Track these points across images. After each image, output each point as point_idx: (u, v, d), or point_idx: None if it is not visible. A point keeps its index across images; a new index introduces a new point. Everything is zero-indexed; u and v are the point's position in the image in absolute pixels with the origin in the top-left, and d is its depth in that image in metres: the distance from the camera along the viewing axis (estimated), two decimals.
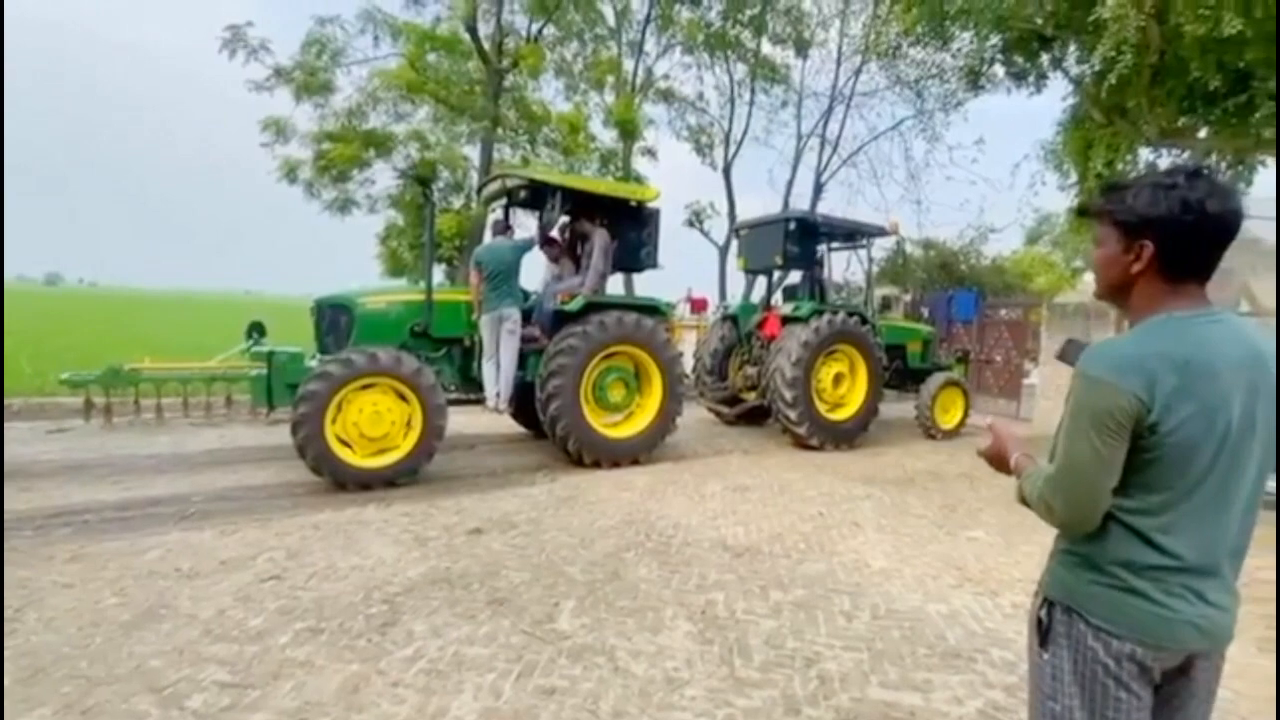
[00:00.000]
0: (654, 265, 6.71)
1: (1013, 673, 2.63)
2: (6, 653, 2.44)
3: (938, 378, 8.38)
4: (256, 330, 6.67)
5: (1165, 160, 8.73)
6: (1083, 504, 1.13)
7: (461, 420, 6.79)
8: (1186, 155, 8.44)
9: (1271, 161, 7.43)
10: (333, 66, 10.95)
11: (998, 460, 1.38)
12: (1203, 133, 8.14)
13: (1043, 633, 1.23)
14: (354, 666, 2.49)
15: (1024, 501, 1.25)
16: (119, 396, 6.64)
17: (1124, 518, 1.13)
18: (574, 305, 5.79)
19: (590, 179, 8.99)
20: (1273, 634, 2.88)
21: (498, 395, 5.67)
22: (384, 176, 11.78)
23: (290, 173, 11.03)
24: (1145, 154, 8.71)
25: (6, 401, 6.80)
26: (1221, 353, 1.08)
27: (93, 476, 4.96)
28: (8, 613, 2.73)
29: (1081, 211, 1.43)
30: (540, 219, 6.26)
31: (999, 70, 8.96)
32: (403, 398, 5.00)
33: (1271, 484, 1.20)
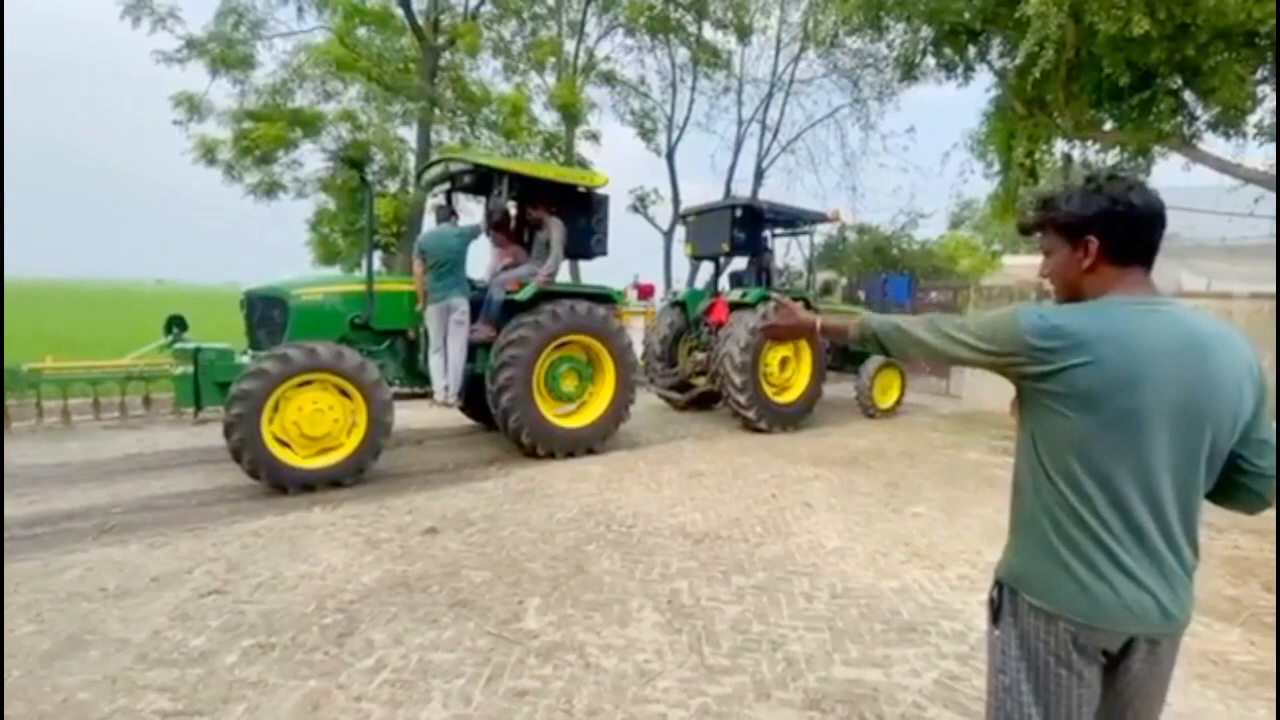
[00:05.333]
0: (604, 253, 6.64)
1: (963, 642, 2.79)
2: None
3: (876, 359, 8.70)
4: (177, 324, 6.17)
5: (1078, 151, 9.34)
6: (905, 354, 1.43)
7: (408, 414, 6.55)
8: (1097, 147, 9.05)
9: (1174, 156, 8.04)
10: (252, 39, 10.17)
11: (791, 324, 1.62)
12: (1108, 126, 8.75)
13: (994, 611, 1.31)
14: (311, 683, 2.36)
15: (861, 340, 1.45)
16: (17, 400, 6.03)
17: (1047, 480, 1.20)
18: (524, 294, 5.66)
19: (538, 164, 8.78)
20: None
21: (446, 389, 5.49)
22: (313, 159, 11.13)
23: (208, 153, 10.22)
24: (1061, 145, 9.29)
25: None
26: (1146, 337, 1.12)
27: None
28: None
29: (1023, 230, 1.58)
30: (487, 205, 6.06)
31: (930, 61, 9.30)
32: (345, 394, 4.77)
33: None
